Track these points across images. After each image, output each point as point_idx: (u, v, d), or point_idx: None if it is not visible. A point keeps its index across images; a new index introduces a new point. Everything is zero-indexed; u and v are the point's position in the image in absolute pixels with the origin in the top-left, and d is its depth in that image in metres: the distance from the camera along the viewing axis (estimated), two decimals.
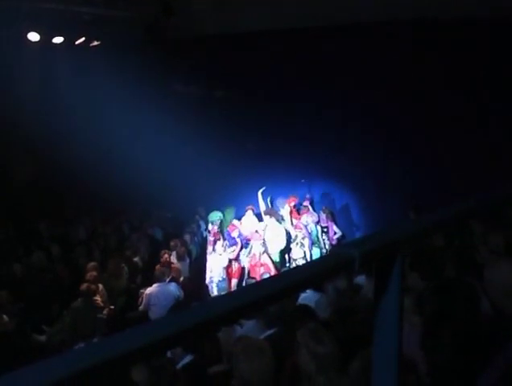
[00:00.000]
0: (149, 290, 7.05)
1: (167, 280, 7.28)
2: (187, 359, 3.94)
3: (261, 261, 8.50)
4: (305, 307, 4.25)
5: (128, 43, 10.76)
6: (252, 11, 9.75)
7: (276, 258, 9.03)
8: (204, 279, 8.74)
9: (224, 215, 10.07)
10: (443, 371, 2.34)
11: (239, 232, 9.24)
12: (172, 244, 9.03)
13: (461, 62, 7.78)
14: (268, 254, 8.82)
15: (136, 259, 8.86)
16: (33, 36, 10.27)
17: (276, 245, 9.07)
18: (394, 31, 8.44)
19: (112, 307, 7.07)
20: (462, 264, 3.82)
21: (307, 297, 4.92)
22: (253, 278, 7.89)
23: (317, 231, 9.36)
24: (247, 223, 9.34)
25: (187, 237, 9.84)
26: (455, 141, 7.90)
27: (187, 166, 11.11)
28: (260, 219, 9.45)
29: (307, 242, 8.94)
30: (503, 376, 1.69)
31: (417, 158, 8.61)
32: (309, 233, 9.12)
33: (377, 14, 8.44)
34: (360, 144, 9.23)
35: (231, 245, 8.95)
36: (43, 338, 5.94)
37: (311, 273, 1.05)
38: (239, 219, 9.77)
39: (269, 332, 4.01)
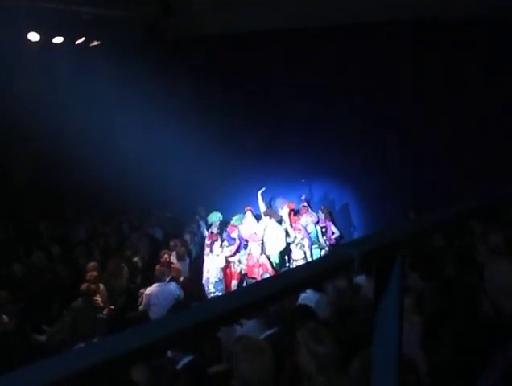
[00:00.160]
0: (149, 290, 7.05)
1: (167, 280, 7.28)
2: (187, 358, 3.94)
3: (259, 262, 8.49)
4: (305, 307, 4.25)
5: (128, 43, 10.76)
6: (252, 11, 9.75)
7: (276, 259, 9.03)
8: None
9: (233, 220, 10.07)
10: (443, 370, 2.34)
11: (238, 232, 9.24)
12: (172, 244, 9.02)
13: (461, 62, 7.78)
14: (266, 255, 8.81)
15: (136, 259, 8.86)
16: (33, 36, 10.26)
17: (276, 246, 9.05)
18: (394, 31, 8.44)
19: (112, 307, 7.07)
20: (462, 264, 3.82)
21: (306, 297, 4.92)
22: (254, 278, 7.89)
23: (317, 231, 9.34)
24: (246, 224, 9.33)
25: (187, 237, 9.84)
26: (455, 141, 7.90)
27: (188, 166, 11.12)
28: (259, 220, 9.44)
29: (306, 243, 8.93)
30: (503, 376, 1.69)
31: (417, 158, 8.61)
32: (308, 234, 9.11)
33: (377, 14, 8.44)
34: (360, 144, 9.22)
35: (230, 245, 8.95)
36: (43, 338, 5.94)
37: (311, 273, 1.05)
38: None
39: (269, 332, 4.01)
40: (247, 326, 4.49)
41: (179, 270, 8.31)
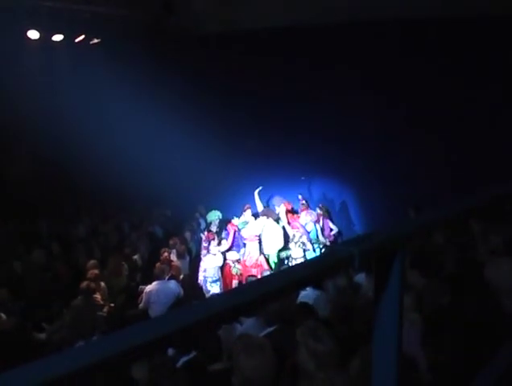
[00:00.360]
0: (149, 288, 7.05)
1: (167, 278, 7.28)
2: (188, 356, 3.94)
3: (257, 263, 8.46)
4: (305, 305, 4.25)
5: (128, 41, 10.75)
6: (252, 10, 9.75)
7: (274, 258, 9.01)
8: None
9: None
10: (443, 368, 2.34)
11: (238, 232, 9.21)
12: (171, 242, 9.02)
13: (462, 61, 7.77)
14: (264, 255, 8.78)
15: (136, 257, 8.87)
16: (33, 34, 10.26)
17: (274, 245, 9.04)
18: (394, 30, 8.43)
19: (112, 305, 7.08)
20: (462, 263, 3.82)
21: (306, 294, 4.92)
22: (254, 276, 7.87)
23: (317, 230, 9.32)
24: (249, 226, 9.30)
25: (187, 235, 9.84)
26: (455, 140, 7.89)
27: (188, 164, 11.12)
28: (257, 218, 9.42)
29: (306, 241, 8.90)
30: (503, 375, 1.69)
31: (417, 157, 8.60)
32: (308, 232, 9.09)
33: (377, 13, 8.43)
34: (360, 142, 9.22)
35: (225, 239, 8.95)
36: (43, 336, 5.95)
37: (312, 271, 1.05)
38: (233, 216, 9.78)
39: (269, 330, 4.02)
40: (247, 324, 4.50)
41: (179, 268, 8.30)
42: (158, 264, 7.53)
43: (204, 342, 3.93)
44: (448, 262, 3.85)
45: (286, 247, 9.10)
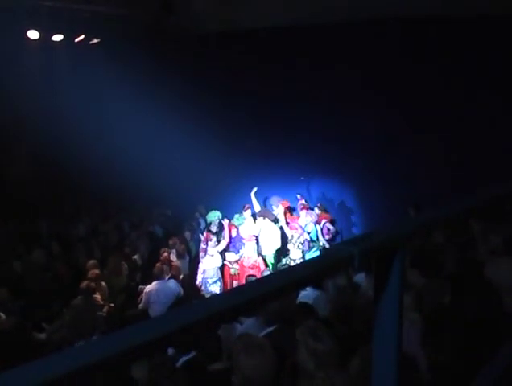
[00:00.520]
0: (148, 288, 7.05)
1: (167, 277, 7.28)
2: (188, 356, 3.94)
3: (255, 264, 8.41)
4: (305, 305, 4.25)
5: (128, 41, 10.74)
6: (252, 9, 9.74)
7: (271, 259, 8.97)
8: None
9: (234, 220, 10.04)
10: (443, 367, 2.34)
11: (237, 232, 9.19)
12: (171, 242, 9.00)
13: (462, 61, 7.77)
14: (262, 256, 8.74)
15: (136, 257, 8.87)
16: (32, 34, 10.25)
17: (271, 246, 9.00)
18: (394, 30, 8.43)
19: (112, 305, 7.07)
20: (462, 262, 3.82)
21: (306, 294, 4.92)
22: (254, 276, 7.86)
23: (317, 231, 9.28)
24: (246, 224, 9.28)
25: (187, 235, 9.84)
26: (455, 140, 7.89)
27: (188, 164, 11.12)
28: (255, 219, 9.41)
29: (305, 242, 8.84)
30: (504, 374, 1.69)
31: (417, 157, 8.60)
32: (308, 233, 9.05)
33: (377, 13, 8.43)
34: (360, 142, 9.22)
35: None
36: (42, 335, 5.95)
37: (312, 271, 1.05)
38: (233, 216, 9.76)
39: (269, 329, 4.01)
40: (247, 324, 4.50)
41: (179, 268, 8.30)
42: (157, 264, 7.53)
43: (204, 342, 3.93)
44: (448, 262, 3.85)
45: (284, 249, 9.05)
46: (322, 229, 9.42)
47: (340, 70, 9.15)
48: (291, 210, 9.81)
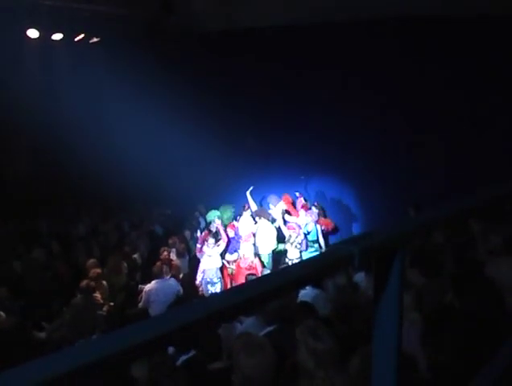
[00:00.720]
0: (148, 287, 7.05)
1: (167, 277, 7.27)
2: (188, 355, 3.94)
3: (251, 264, 8.36)
4: (306, 304, 4.25)
5: (128, 40, 10.74)
6: (252, 8, 9.74)
7: (266, 259, 8.94)
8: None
9: (221, 214, 10.04)
10: (443, 367, 2.34)
11: (235, 232, 9.17)
12: (171, 241, 8.99)
13: (462, 61, 7.76)
14: (259, 257, 8.71)
15: (135, 256, 8.87)
16: (32, 33, 10.25)
17: (267, 246, 8.97)
18: (394, 29, 8.42)
19: (111, 304, 7.08)
20: (462, 262, 3.82)
21: (306, 293, 4.92)
22: (254, 275, 7.84)
23: (317, 230, 9.24)
24: (245, 222, 9.28)
25: (186, 234, 9.84)
26: (455, 140, 7.89)
27: (188, 163, 11.12)
28: (254, 218, 9.39)
29: (302, 241, 8.80)
30: (504, 373, 1.69)
31: (417, 157, 8.60)
32: (308, 233, 9.03)
33: (377, 13, 8.43)
34: (360, 142, 9.21)
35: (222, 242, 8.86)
36: (42, 334, 5.96)
37: (312, 270, 1.05)
38: (237, 217, 9.74)
39: (269, 329, 4.02)
40: (247, 324, 4.50)
41: (179, 267, 8.30)
42: (157, 263, 7.53)
43: (203, 341, 3.93)
44: (448, 261, 3.85)
45: (280, 248, 9.02)
46: (322, 230, 9.39)
47: (340, 70, 9.14)
48: (294, 204, 9.77)
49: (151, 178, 10.72)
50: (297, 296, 4.88)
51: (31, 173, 11.92)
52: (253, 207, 9.66)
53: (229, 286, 8.66)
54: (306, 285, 4.00)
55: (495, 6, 7.06)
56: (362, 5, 8.51)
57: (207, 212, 10.59)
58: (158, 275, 7.16)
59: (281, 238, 9.09)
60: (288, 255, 8.72)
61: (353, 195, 10.05)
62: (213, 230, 9.28)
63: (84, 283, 6.66)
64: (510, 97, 7.17)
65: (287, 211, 9.50)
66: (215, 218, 9.63)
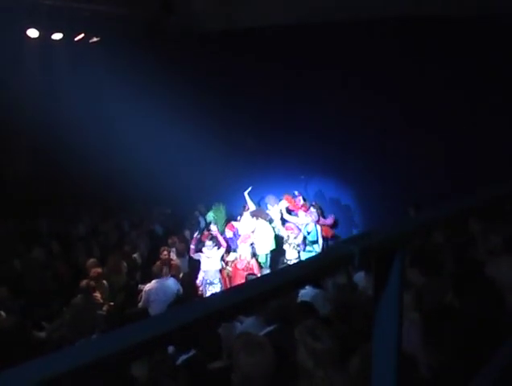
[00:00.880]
0: (148, 287, 7.05)
1: (166, 276, 7.27)
2: (188, 354, 3.94)
3: (248, 265, 8.34)
4: (306, 304, 4.25)
5: (128, 40, 10.74)
6: (252, 8, 9.74)
7: (263, 259, 8.92)
8: None
9: (213, 213, 10.03)
10: (443, 366, 2.34)
11: (234, 233, 9.14)
12: (170, 241, 8.99)
13: (462, 61, 7.76)
14: (256, 258, 8.69)
15: (135, 255, 8.87)
16: (32, 33, 10.25)
17: (265, 246, 8.95)
18: (394, 28, 8.42)
19: (111, 303, 7.08)
20: (462, 262, 3.82)
21: (306, 293, 4.92)
22: (254, 274, 7.83)
23: (317, 231, 9.22)
24: (245, 223, 9.26)
25: (186, 234, 9.84)
26: (455, 140, 7.89)
27: (188, 163, 11.12)
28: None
29: (300, 241, 8.79)
30: (504, 372, 1.69)
31: (417, 157, 8.59)
32: (308, 233, 9.01)
33: (377, 12, 8.42)
34: (360, 142, 9.21)
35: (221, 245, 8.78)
36: (42, 334, 5.96)
37: (312, 269, 1.05)
38: (233, 215, 9.74)
39: (269, 329, 4.01)
40: (247, 323, 4.50)
41: (179, 267, 8.30)
42: (157, 263, 7.53)
43: (204, 341, 3.93)
44: (448, 261, 3.86)
45: (279, 248, 9.00)
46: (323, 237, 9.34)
47: (340, 70, 9.14)
48: (295, 203, 9.76)
49: (151, 178, 10.72)
50: (297, 296, 4.88)
51: (31, 173, 11.92)
52: (251, 207, 9.65)
53: (228, 286, 8.64)
54: (306, 284, 4.01)
55: (495, 5, 7.06)
56: (362, 5, 8.51)
57: (207, 212, 10.59)
58: (158, 274, 7.16)
59: (279, 239, 9.07)
60: (286, 255, 8.71)
61: (353, 194, 10.05)
62: (213, 234, 9.25)
63: (84, 283, 6.66)
64: (510, 97, 7.16)
65: (289, 210, 9.47)
66: (211, 222, 9.57)
